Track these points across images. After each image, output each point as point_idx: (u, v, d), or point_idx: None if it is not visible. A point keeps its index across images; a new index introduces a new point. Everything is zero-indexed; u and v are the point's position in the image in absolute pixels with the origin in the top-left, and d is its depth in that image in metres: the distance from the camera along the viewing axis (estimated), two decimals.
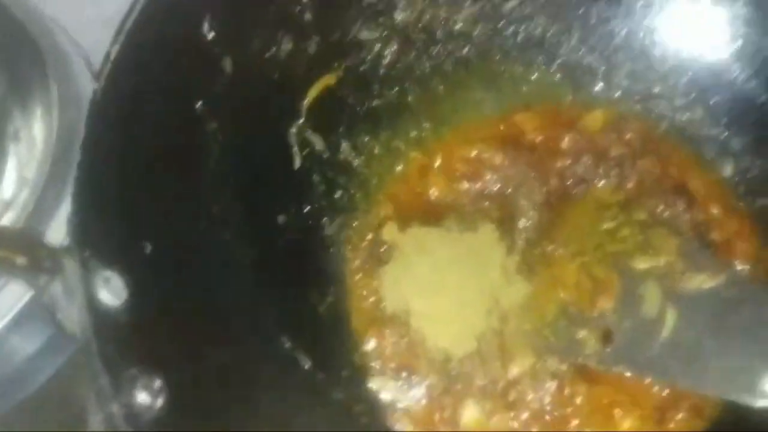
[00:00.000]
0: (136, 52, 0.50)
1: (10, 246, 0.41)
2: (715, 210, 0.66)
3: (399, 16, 0.68)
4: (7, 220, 0.63)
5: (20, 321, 0.58)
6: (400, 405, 0.57)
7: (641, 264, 0.60)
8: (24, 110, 0.68)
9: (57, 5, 0.74)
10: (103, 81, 0.48)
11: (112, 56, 0.49)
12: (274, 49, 0.62)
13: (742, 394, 0.51)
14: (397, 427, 0.56)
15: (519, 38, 0.71)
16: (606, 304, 0.59)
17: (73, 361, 0.59)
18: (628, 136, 0.69)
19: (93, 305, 0.42)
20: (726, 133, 0.68)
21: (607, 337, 0.58)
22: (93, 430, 0.41)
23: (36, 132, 0.67)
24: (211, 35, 0.56)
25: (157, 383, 0.42)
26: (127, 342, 0.42)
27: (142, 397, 0.41)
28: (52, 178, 0.63)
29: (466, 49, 0.71)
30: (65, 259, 0.43)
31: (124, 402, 0.40)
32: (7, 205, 0.64)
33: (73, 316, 0.42)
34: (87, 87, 0.68)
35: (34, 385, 0.62)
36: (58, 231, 0.62)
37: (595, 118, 0.70)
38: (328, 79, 0.66)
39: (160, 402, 0.42)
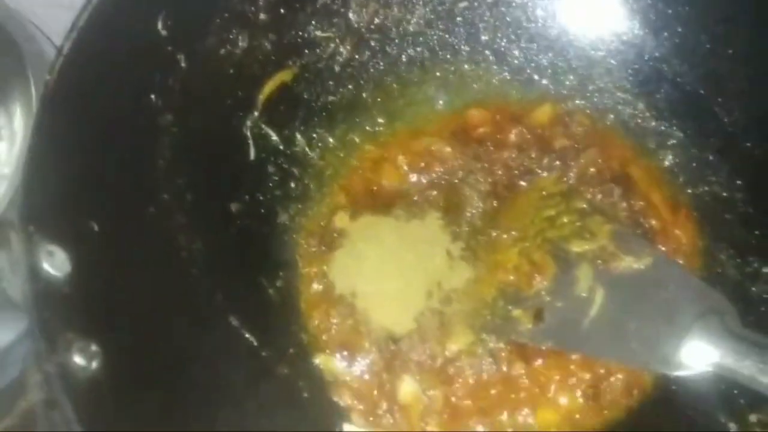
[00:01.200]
0: (89, 47, 0.54)
1: None
2: (654, 198, 0.68)
3: (353, 17, 0.72)
4: None
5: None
6: (342, 380, 0.60)
7: (576, 248, 0.63)
8: (5, 110, 0.72)
9: (37, 10, 0.78)
10: (55, 73, 0.52)
11: (65, 50, 0.52)
12: (229, 46, 0.65)
13: (661, 365, 0.54)
14: (339, 400, 0.59)
15: (470, 38, 0.74)
16: (542, 284, 0.62)
17: None
18: (573, 129, 0.72)
19: (35, 276, 0.45)
20: (666, 125, 0.71)
21: (539, 315, 0.60)
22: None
23: (16, 129, 0.71)
24: (165, 32, 0.60)
25: (93, 347, 0.45)
26: (65, 310, 0.46)
27: (77, 359, 0.44)
28: None
29: (419, 49, 0.74)
30: (10, 232, 0.46)
31: (59, 362, 0.43)
32: None
33: (17, 285, 0.45)
34: None
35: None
36: None
37: (542, 113, 0.73)
38: (284, 75, 0.70)
39: (95, 365, 0.45)
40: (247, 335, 0.59)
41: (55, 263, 0.47)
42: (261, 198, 0.67)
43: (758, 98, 0.66)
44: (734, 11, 0.66)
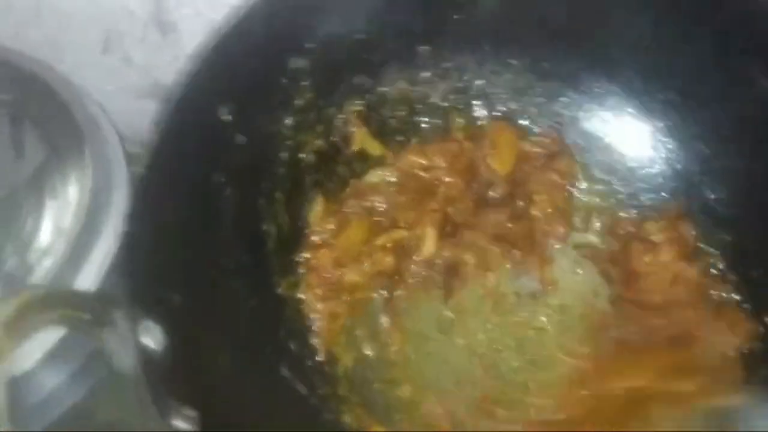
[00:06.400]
0: (173, 138, 0.62)
1: (78, 306, 0.53)
2: None
3: (383, 91, 0.81)
4: (45, 265, 0.74)
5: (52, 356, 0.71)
6: None
7: None
8: (61, 171, 0.79)
9: (90, 80, 0.86)
10: (146, 169, 0.60)
11: (152, 145, 0.61)
12: (278, 125, 0.74)
13: None
14: None
15: (485, 110, 0.84)
16: None
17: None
18: None
19: (139, 350, 0.54)
20: None
21: None
22: None
23: (71, 190, 0.78)
24: (227, 118, 0.68)
25: (192, 413, 0.54)
26: (165, 379, 0.54)
27: (180, 423, 0.53)
28: (85, 230, 0.75)
29: (439, 120, 0.84)
30: (117, 313, 0.54)
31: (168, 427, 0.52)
32: (45, 252, 0.75)
33: (126, 360, 0.53)
34: (116, 152, 0.80)
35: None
36: (89, 275, 0.75)
37: None
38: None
39: (194, 427, 0.54)
40: (297, 385, 0.68)
41: (154, 338, 0.55)
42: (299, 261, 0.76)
43: None
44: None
